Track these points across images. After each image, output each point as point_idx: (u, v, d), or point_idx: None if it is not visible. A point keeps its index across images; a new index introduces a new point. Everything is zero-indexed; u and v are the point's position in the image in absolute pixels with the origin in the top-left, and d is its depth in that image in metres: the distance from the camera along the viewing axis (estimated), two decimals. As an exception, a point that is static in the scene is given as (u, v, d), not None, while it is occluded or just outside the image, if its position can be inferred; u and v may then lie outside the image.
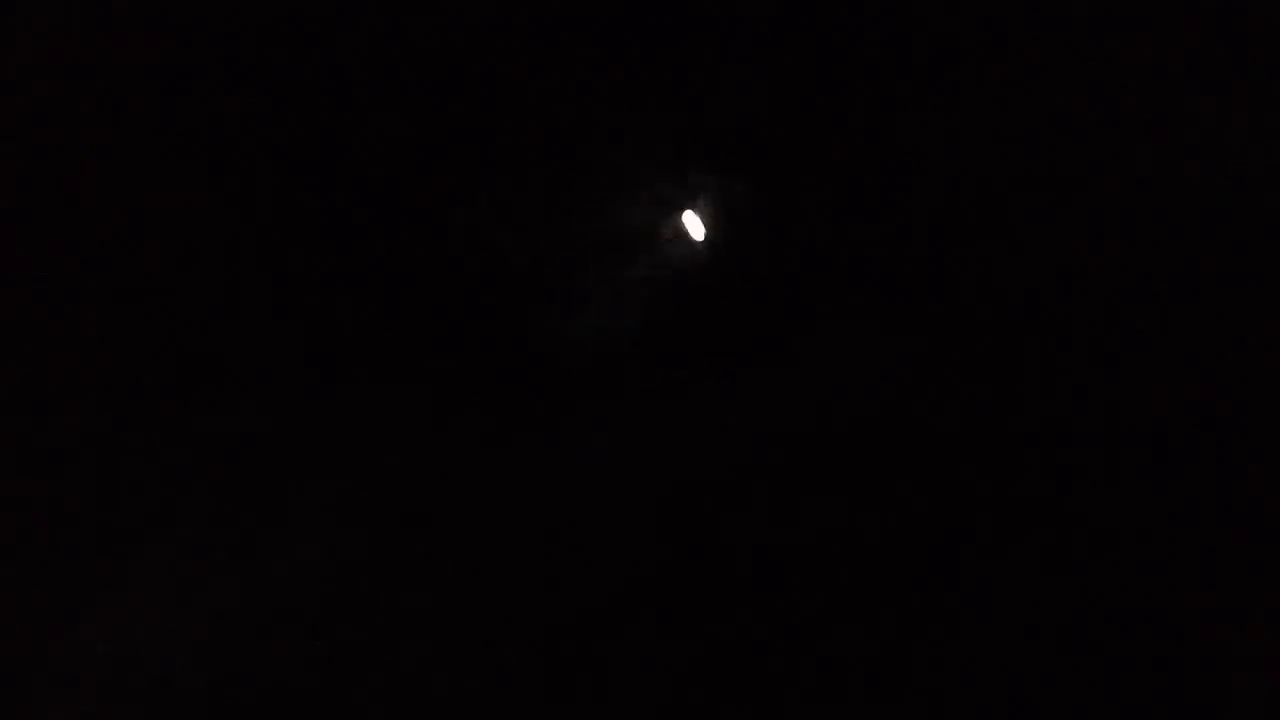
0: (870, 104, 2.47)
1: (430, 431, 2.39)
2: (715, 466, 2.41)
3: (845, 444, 2.41)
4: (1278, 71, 2.40)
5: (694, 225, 2.46)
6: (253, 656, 2.29)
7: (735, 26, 2.46)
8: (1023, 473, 2.38)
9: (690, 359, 2.45)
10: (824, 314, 2.44)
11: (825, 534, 2.37)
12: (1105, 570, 2.33)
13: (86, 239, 2.40)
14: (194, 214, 2.43)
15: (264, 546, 2.34)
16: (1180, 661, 2.29)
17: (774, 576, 2.36)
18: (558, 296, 2.46)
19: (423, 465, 2.37)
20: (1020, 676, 2.30)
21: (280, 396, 2.38)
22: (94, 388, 2.36)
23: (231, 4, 2.43)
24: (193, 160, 2.44)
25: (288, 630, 2.31)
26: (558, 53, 2.46)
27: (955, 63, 2.45)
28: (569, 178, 2.48)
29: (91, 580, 2.30)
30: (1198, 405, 2.36)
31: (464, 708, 2.31)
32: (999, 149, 2.46)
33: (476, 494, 2.38)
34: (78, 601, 2.29)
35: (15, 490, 2.33)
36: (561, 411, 2.41)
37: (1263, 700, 2.26)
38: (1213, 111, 2.41)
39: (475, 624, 2.33)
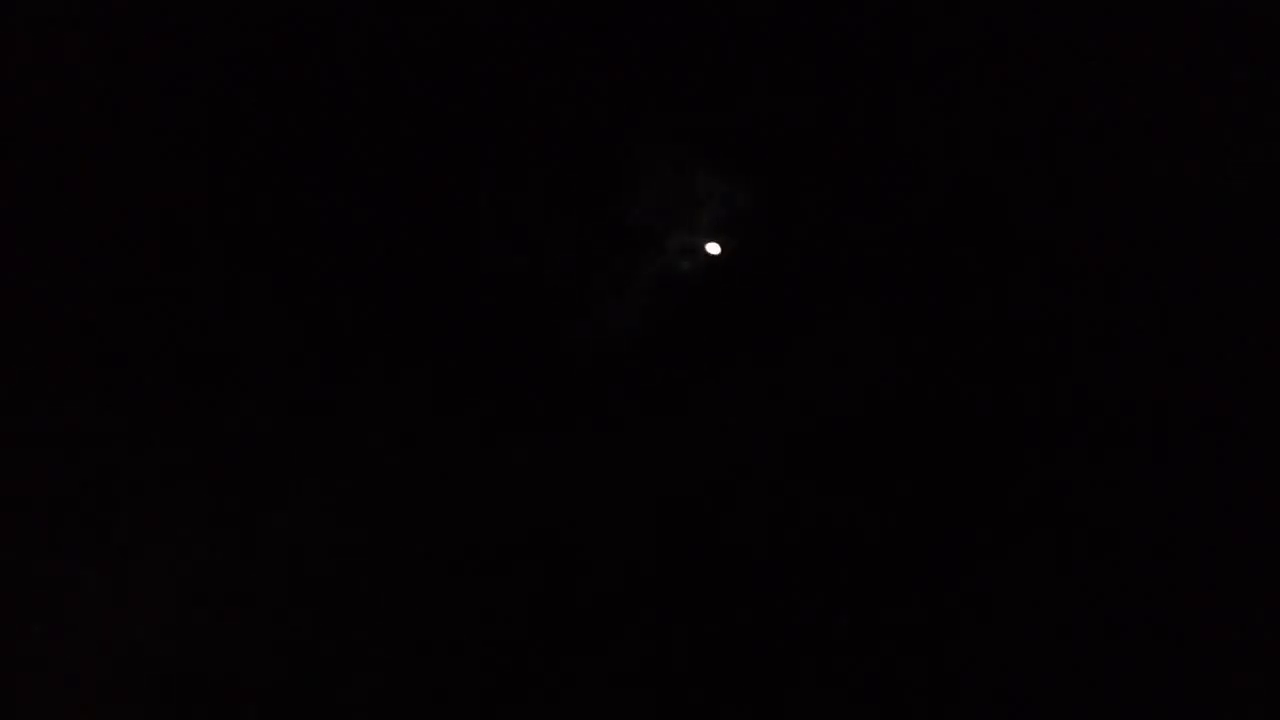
0: (870, 104, 2.47)
1: (431, 431, 2.39)
2: (716, 466, 2.41)
3: (846, 444, 2.41)
4: (1278, 71, 2.40)
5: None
6: (252, 657, 2.29)
7: (736, 27, 2.47)
8: (1023, 473, 2.38)
9: (691, 359, 2.46)
10: (824, 314, 2.44)
11: (825, 535, 2.37)
12: (1105, 570, 2.33)
13: (86, 239, 2.40)
14: (194, 214, 2.43)
15: (264, 547, 2.34)
16: (1180, 661, 2.29)
17: (774, 577, 2.36)
18: (559, 297, 2.46)
19: (423, 465, 2.38)
20: (1020, 676, 2.30)
21: (280, 396, 2.38)
22: (94, 388, 2.36)
23: (231, 4, 2.43)
24: (193, 160, 2.44)
25: (287, 630, 2.31)
26: (559, 53, 2.46)
27: (955, 63, 2.45)
28: (570, 178, 2.48)
29: (91, 580, 2.30)
30: (1198, 405, 2.36)
31: (463, 709, 2.31)
32: (999, 149, 2.46)
33: (476, 494, 2.38)
34: (78, 601, 2.29)
35: (15, 490, 2.33)
36: (561, 411, 2.41)
37: (1263, 700, 2.26)
38: (1213, 111, 2.41)
39: (474, 625, 2.33)
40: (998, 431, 2.39)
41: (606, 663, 2.32)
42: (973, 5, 2.45)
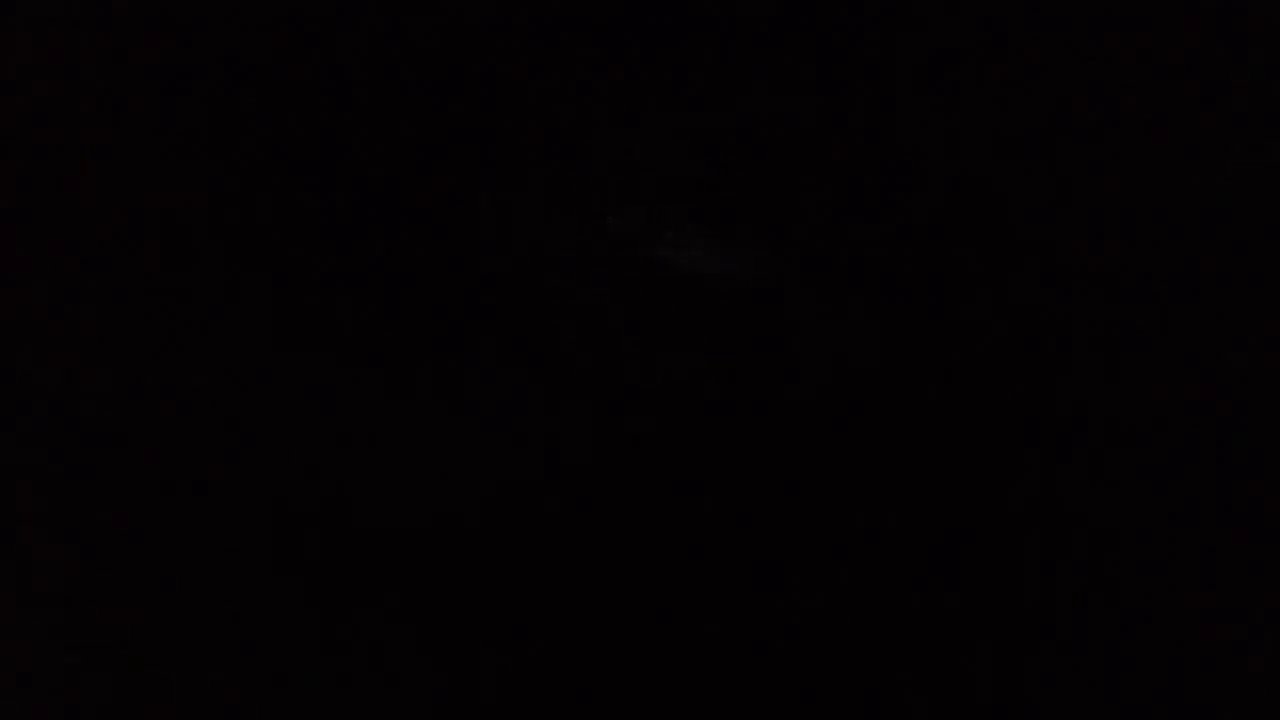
0: (870, 104, 2.47)
1: (427, 431, 2.39)
2: (715, 466, 2.41)
3: (844, 443, 2.41)
4: (1278, 71, 2.40)
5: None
6: (249, 656, 2.30)
7: (734, 26, 2.47)
8: (1023, 472, 2.38)
9: (688, 359, 2.46)
10: (823, 314, 2.44)
11: (825, 535, 2.37)
12: (1105, 570, 2.33)
13: (87, 239, 2.40)
14: (194, 214, 2.43)
15: (258, 544, 2.34)
16: (1180, 661, 2.28)
17: (773, 578, 2.36)
18: (553, 297, 2.46)
19: (419, 465, 2.38)
20: (1019, 676, 2.30)
21: (276, 396, 2.39)
22: (93, 388, 2.36)
23: (232, 4, 2.43)
24: (193, 160, 2.44)
25: (284, 630, 2.32)
26: (556, 52, 2.46)
27: (955, 63, 2.45)
28: (566, 177, 2.48)
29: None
30: (1198, 405, 2.36)
31: (457, 710, 2.31)
32: (999, 149, 2.46)
33: (472, 494, 2.38)
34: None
35: (14, 492, 2.33)
36: (557, 412, 2.41)
37: (1263, 700, 2.26)
38: (1213, 111, 2.41)
39: (468, 627, 2.33)
40: (997, 431, 2.39)
41: (602, 666, 2.32)
42: (973, 5, 2.45)
